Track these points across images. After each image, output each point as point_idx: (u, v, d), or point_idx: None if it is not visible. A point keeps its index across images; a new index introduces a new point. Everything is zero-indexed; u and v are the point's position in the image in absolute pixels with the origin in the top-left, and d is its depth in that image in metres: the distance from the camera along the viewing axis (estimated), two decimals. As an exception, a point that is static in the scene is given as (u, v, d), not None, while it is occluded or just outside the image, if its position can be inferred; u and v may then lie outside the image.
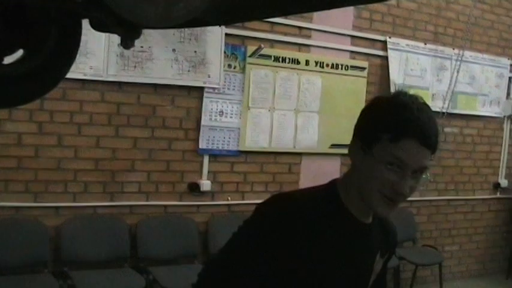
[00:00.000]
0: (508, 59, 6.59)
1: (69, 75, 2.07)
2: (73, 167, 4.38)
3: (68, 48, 1.88)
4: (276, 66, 5.12)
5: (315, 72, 5.31)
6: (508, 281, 6.80)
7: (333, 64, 5.40)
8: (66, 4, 1.55)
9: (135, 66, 4.45)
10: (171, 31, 4.47)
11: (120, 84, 4.47)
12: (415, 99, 1.45)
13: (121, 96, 4.50)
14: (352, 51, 5.56)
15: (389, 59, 5.72)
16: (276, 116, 5.15)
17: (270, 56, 5.07)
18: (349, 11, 5.50)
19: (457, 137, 6.40)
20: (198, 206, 4.91)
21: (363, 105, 1.56)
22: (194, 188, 4.84)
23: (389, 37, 5.74)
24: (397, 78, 5.71)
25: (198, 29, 4.60)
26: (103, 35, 4.11)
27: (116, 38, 3.41)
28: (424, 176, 1.45)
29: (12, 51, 1.80)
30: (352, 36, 5.55)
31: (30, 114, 4.19)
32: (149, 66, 4.50)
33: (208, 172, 4.91)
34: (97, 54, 4.30)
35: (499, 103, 6.60)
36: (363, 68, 5.59)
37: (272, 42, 5.10)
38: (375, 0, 2.78)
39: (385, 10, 5.72)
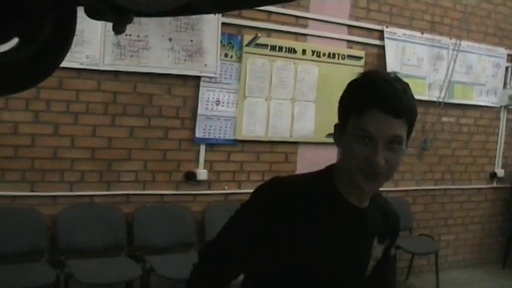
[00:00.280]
0: (505, 48, 6.59)
1: (65, 64, 2.08)
2: (69, 156, 4.38)
3: (64, 35, 1.88)
4: (272, 56, 5.11)
5: (311, 61, 5.30)
6: (504, 270, 6.83)
7: (329, 53, 5.40)
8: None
9: (131, 55, 4.44)
10: (168, 20, 4.45)
11: (116, 73, 4.46)
12: (385, 74, 1.46)
13: (117, 85, 4.50)
14: (348, 41, 5.55)
15: (386, 48, 5.71)
16: (272, 105, 5.15)
17: (267, 45, 5.07)
18: (346, 1, 5.50)
19: (453, 126, 6.41)
20: (195, 195, 4.92)
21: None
22: (190, 177, 4.85)
23: (386, 26, 5.73)
24: (394, 67, 5.69)
25: (195, 18, 4.58)
26: (99, 24, 4.10)
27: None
28: (403, 147, 1.44)
29: (7, 39, 1.79)
30: (349, 26, 5.54)
31: (26, 103, 4.19)
32: (145, 55, 4.49)
33: (205, 161, 4.91)
34: (93, 43, 4.29)
35: (496, 93, 6.60)
36: (359, 58, 5.58)
37: (269, 32, 5.08)
38: None
39: (382, -1, 5.72)
